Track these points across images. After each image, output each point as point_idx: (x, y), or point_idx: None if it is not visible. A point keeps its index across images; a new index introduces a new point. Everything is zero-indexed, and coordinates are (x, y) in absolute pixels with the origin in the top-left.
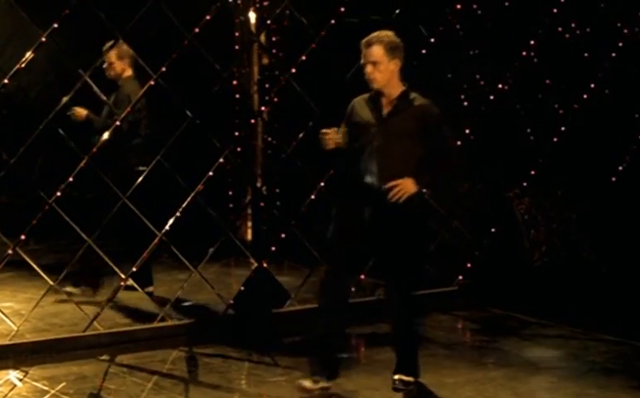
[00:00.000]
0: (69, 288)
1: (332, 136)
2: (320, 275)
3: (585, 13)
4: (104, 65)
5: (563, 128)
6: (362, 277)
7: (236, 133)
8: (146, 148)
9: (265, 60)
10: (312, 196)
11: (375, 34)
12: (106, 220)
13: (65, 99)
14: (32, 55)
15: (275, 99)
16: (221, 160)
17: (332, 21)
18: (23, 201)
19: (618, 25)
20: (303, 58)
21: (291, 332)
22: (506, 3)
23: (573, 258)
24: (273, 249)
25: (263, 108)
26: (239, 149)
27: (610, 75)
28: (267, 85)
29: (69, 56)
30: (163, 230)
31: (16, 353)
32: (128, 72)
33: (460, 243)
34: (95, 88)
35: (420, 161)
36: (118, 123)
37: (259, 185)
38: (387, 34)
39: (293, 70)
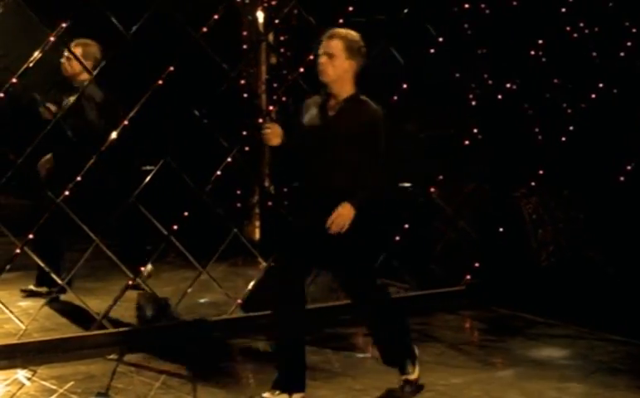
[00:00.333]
0: (32, 287)
1: (275, 131)
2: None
3: (594, 13)
4: (62, 60)
5: (571, 128)
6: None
7: (244, 133)
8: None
9: (273, 60)
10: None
11: (340, 29)
12: (113, 219)
13: (72, 99)
14: (40, 55)
15: (283, 99)
16: (229, 159)
17: (340, 21)
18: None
19: (627, 24)
20: (311, 57)
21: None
22: (515, 3)
23: (580, 258)
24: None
25: (270, 107)
26: (246, 149)
27: (618, 75)
28: (275, 85)
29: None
30: (171, 230)
31: (24, 352)
32: (85, 76)
33: (467, 243)
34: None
35: (358, 168)
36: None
37: (266, 184)
38: (352, 34)
39: (301, 70)
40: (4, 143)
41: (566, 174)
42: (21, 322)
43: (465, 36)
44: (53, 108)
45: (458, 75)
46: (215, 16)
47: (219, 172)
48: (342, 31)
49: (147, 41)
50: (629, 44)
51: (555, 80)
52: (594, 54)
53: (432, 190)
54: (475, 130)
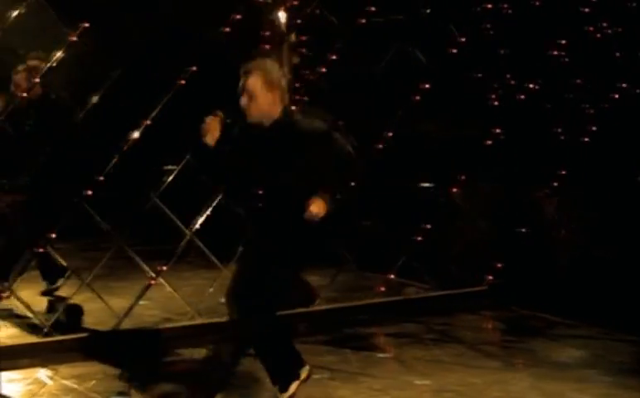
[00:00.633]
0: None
1: (214, 126)
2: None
3: (617, 13)
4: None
5: (594, 128)
6: (391, 276)
7: None
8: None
9: (295, 60)
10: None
11: (256, 63)
12: (135, 219)
13: (94, 99)
14: (62, 55)
15: (305, 98)
16: None
17: (362, 21)
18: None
19: None
20: (333, 57)
21: (319, 332)
22: (537, 3)
23: (600, 258)
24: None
25: (292, 107)
26: None
27: None
28: (297, 85)
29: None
30: (192, 229)
31: (46, 351)
32: (39, 91)
33: (488, 243)
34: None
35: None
36: None
37: None
38: (269, 65)
39: (323, 70)
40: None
41: (588, 174)
42: (43, 321)
43: (487, 36)
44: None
45: (479, 75)
46: (237, 16)
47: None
48: (259, 65)
49: (168, 41)
50: None
51: (578, 81)
52: (617, 54)
53: (453, 190)
54: (497, 130)
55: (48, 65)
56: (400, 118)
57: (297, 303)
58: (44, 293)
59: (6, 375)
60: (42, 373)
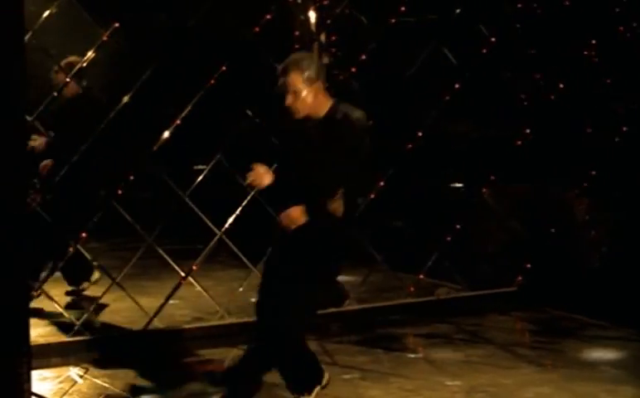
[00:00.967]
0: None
1: (260, 172)
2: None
3: None
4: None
5: (624, 129)
6: (421, 276)
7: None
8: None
9: (325, 60)
10: (372, 196)
11: (292, 60)
12: (166, 219)
13: (125, 99)
14: (94, 55)
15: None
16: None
17: (393, 20)
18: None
19: None
20: (363, 57)
21: (350, 332)
22: (567, 2)
23: (632, 259)
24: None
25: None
26: None
27: None
28: (327, 85)
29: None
30: (223, 229)
31: (77, 350)
32: (75, 88)
33: (519, 243)
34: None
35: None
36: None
37: None
38: (303, 59)
39: (353, 69)
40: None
41: (618, 175)
42: (74, 320)
43: (517, 36)
44: (37, 141)
45: (509, 75)
46: (268, 16)
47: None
48: (294, 61)
49: (199, 40)
50: None
51: (608, 80)
52: None
53: (484, 190)
54: (527, 131)
55: (80, 64)
56: (431, 119)
57: (328, 303)
58: (69, 293)
59: (37, 373)
60: (73, 372)
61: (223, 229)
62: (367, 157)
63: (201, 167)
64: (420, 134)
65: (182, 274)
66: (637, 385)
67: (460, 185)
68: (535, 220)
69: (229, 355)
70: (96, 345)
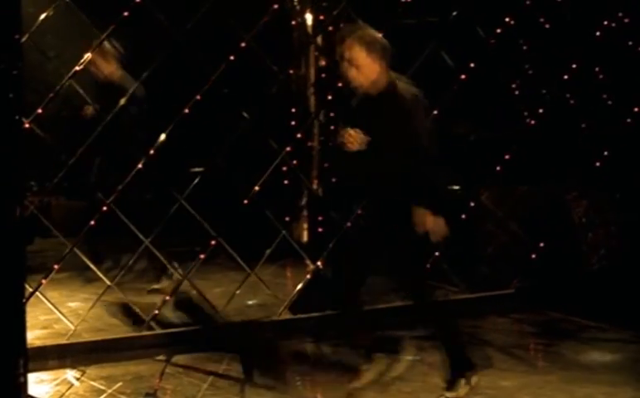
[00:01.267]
0: (156, 286)
1: (356, 137)
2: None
3: None
4: (92, 69)
5: (623, 130)
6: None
7: (299, 135)
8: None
9: (322, 62)
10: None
11: (356, 33)
12: (164, 221)
13: (122, 101)
14: (91, 57)
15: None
16: (277, 161)
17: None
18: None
19: None
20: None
21: (347, 334)
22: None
23: (631, 261)
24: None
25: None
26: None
27: None
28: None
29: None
30: (220, 232)
31: (74, 353)
32: (119, 73)
33: (517, 245)
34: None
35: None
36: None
37: (315, 186)
38: (368, 34)
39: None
40: (56, 144)
41: (618, 177)
42: (71, 322)
43: (516, 38)
44: (90, 109)
45: (508, 76)
46: (265, 19)
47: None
48: (359, 34)
49: (197, 42)
50: None
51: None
52: None
53: (482, 192)
54: (526, 132)
55: (77, 67)
56: (429, 121)
57: (325, 305)
58: (150, 292)
59: (34, 375)
60: (70, 374)
61: (220, 232)
62: (425, 134)
63: (197, 169)
64: None
65: (180, 277)
66: (635, 387)
67: (458, 187)
68: (534, 222)
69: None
70: (93, 347)
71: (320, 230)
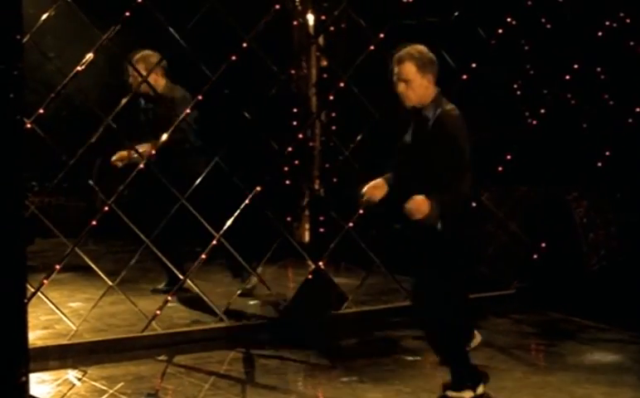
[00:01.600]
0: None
1: (377, 186)
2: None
3: None
4: (130, 80)
5: (623, 131)
6: None
7: (300, 136)
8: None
9: (324, 63)
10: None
11: (407, 50)
12: (164, 221)
13: (123, 101)
14: (92, 57)
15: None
16: (279, 161)
17: (391, 24)
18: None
19: None
20: (361, 59)
21: (348, 335)
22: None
23: (631, 261)
24: (331, 250)
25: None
26: (296, 151)
27: None
28: (325, 87)
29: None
30: (221, 232)
31: (75, 353)
32: (163, 82)
33: (518, 246)
34: (155, 90)
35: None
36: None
37: (316, 187)
38: (419, 49)
39: (351, 73)
40: (57, 145)
41: (618, 177)
42: (72, 322)
43: (516, 38)
44: (143, 148)
45: (508, 77)
46: (266, 19)
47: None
48: (409, 51)
49: (198, 43)
50: None
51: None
52: None
53: (482, 193)
54: (527, 133)
55: (78, 68)
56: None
57: (326, 305)
58: (241, 295)
59: (36, 376)
60: (71, 374)
61: (221, 232)
62: (460, 151)
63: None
64: None
65: (181, 277)
66: (635, 387)
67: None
68: (534, 223)
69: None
70: (94, 348)
71: (321, 230)
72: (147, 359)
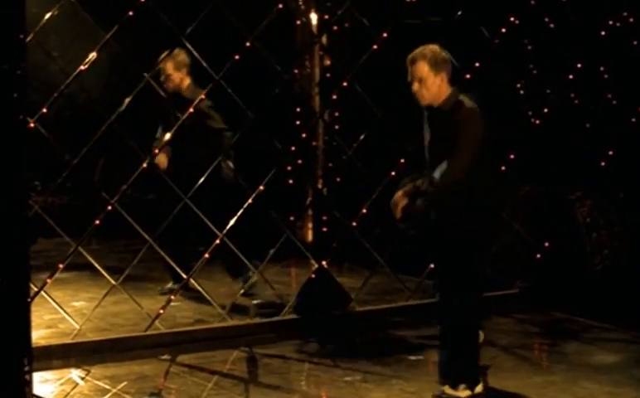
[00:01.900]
0: (169, 285)
1: (401, 198)
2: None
3: None
4: (161, 78)
5: (625, 130)
6: (423, 279)
7: (303, 135)
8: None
9: (327, 62)
10: (373, 197)
11: (420, 50)
12: (167, 220)
13: (127, 101)
14: (95, 57)
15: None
16: (282, 161)
17: (394, 23)
18: (85, 202)
19: None
20: (364, 59)
21: (352, 334)
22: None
23: (635, 261)
24: (334, 249)
25: (324, 109)
26: (299, 150)
27: None
28: (328, 87)
29: (131, 58)
30: (224, 232)
31: (79, 352)
32: (187, 81)
33: (521, 246)
34: (158, 89)
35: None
36: None
37: (319, 186)
38: (432, 48)
39: (354, 72)
40: (60, 144)
41: (621, 177)
42: (76, 322)
43: (519, 38)
44: (164, 159)
45: (511, 77)
46: (269, 19)
47: (272, 174)
48: (421, 50)
49: (201, 42)
50: None
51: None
52: None
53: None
54: (530, 133)
55: (81, 67)
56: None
57: (329, 304)
58: (244, 294)
59: (39, 375)
60: (75, 374)
61: (224, 232)
62: (478, 147)
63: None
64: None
65: (184, 276)
66: (638, 387)
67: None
68: (538, 222)
69: (230, 357)
70: (98, 347)
71: (324, 229)
72: (151, 358)
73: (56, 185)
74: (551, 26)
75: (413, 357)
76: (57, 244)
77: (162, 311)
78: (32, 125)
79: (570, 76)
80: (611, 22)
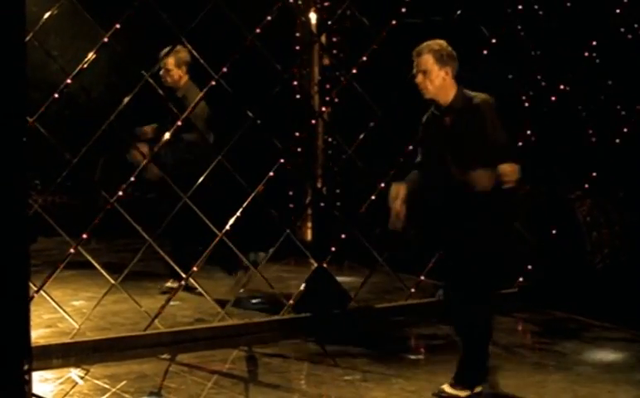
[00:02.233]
0: (169, 284)
1: (399, 201)
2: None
3: None
4: (161, 72)
5: (625, 129)
6: (422, 278)
7: (297, 134)
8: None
9: (326, 61)
10: (373, 197)
11: (426, 43)
12: (167, 219)
13: (126, 100)
14: (95, 56)
15: (336, 100)
16: (282, 160)
17: (394, 22)
18: (85, 201)
19: None
20: (364, 58)
21: (352, 333)
22: (568, 4)
23: (635, 260)
24: (333, 249)
25: (323, 108)
26: (299, 149)
27: None
28: (328, 86)
29: (130, 57)
30: (224, 230)
31: (78, 351)
32: (185, 79)
33: (521, 245)
34: (158, 89)
35: (486, 157)
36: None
37: (319, 185)
38: (438, 42)
39: (354, 71)
40: (60, 143)
41: (622, 176)
42: (75, 321)
43: (519, 37)
44: (145, 149)
45: (511, 76)
46: (269, 18)
47: (271, 173)
48: (428, 43)
49: (201, 41)
50: None
51: (609, 82)
52: None
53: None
54: (529, 132)
55: (80, 66)
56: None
57: (329, 304)
58: (244, 294)
59: (38, 374)
60: (74, 373)
61: (224, 230)
62: (500, 134)
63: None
64: None
65: (183, 276)
66: (639, 386)
67: None
68: (538, 222)
69: (229, 356)
70: (97, 346)
71: (324, 228)
72: (150, 357)
73: (56, 184)
74: (552, 25)
75: (413, 356)
76: (57, 243)
77: (161, 310)
78: (32, 124)
79: (571, 76)
80: (613, 22)
